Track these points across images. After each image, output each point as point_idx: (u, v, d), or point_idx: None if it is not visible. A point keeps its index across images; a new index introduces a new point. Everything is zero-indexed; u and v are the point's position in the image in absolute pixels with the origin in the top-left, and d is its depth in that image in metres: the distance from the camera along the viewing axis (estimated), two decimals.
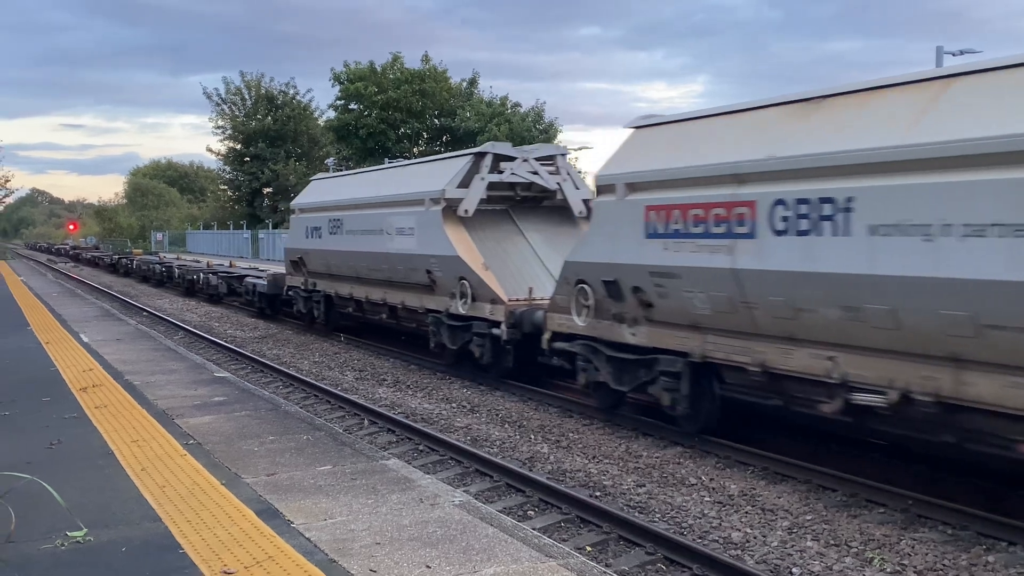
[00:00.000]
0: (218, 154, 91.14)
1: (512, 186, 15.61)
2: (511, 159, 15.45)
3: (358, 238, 18.29)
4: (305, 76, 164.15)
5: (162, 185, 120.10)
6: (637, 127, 11.53)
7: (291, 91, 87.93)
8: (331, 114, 76.17)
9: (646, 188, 10.59)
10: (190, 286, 34.11)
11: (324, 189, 22.24)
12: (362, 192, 18.99)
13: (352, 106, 71.53)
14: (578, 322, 11.98)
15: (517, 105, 70.26)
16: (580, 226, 15.48)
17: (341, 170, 68.45)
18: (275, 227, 73.32)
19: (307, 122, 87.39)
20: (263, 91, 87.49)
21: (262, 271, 29.38)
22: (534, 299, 14.00)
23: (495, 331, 14.00)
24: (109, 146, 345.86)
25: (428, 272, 15.47)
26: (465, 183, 15.16)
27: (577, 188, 15.94)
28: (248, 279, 27.39)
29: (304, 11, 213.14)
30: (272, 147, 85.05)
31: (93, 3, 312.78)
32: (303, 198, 23.20)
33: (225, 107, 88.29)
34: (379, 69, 70.97)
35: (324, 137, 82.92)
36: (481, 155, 15.34)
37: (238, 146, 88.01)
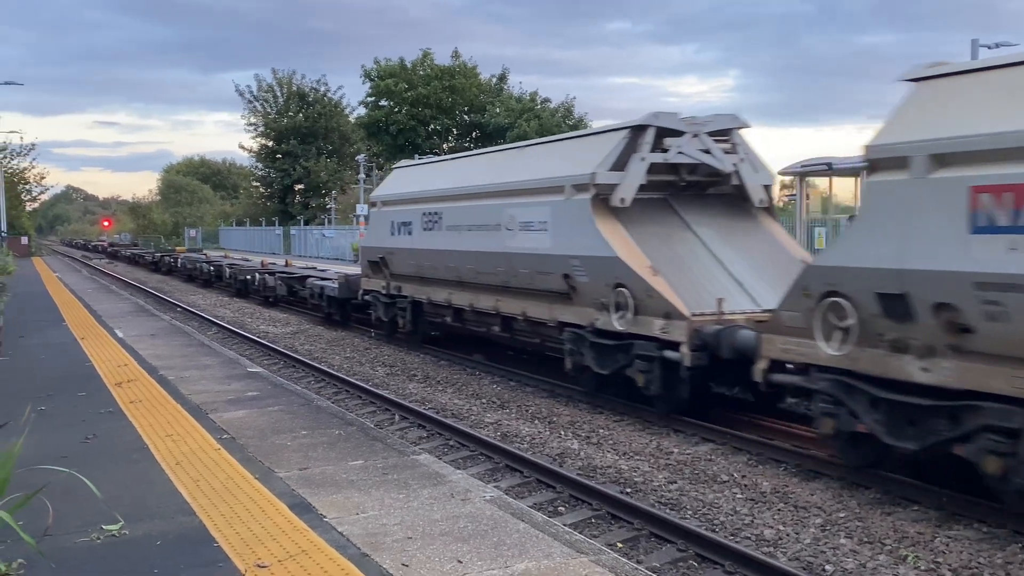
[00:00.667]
0: (250, 151, 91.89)
1: (675, 168, 12.47)
2: (678, 134, 12.27)
3: (463, 235, 15.35)
4: (335, 73, 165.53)
5: (195, 182, 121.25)
6: (925, 78, 8.34)
7: (322, 88, 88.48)
8: (361, 111, 76.62)
9: (971, 160, 7.45)
10: (243, 287, 31.28)
11: (414, 177, 18.89)
12: (469, 180, 15.84)
13: (382, 103, 71.85)
14: (825, 349, 8.91)
15: (547, 101, 70.45)
16: (760, 219, 12.93)
17: (372, 168, 69.05)
18: (306, 223, 73.82)
19: (338, 119, 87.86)
20: (294, 88, 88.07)
21: (321, 270, 28.07)
22: (724, 314, 10.98)
23: (669, 354, 10.95)
24: (142, 143, 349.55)
25: (566, 277, 12.57)
26: (620, 165, 12.06)
27: (756, 171, 12.84)
28: (312, 280, 24.43)
29: (334, 8, 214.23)
30: (303, 144, 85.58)
31: (126, 2, 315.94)
32: (386, 188, 19.86)
33: (257, 104, 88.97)
34: (409, 66, 71.28)
35: (355, 134, 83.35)
36: (641, 129, 12.15)
37: (270, 143, 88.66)
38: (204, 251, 56.51)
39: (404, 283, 18.23)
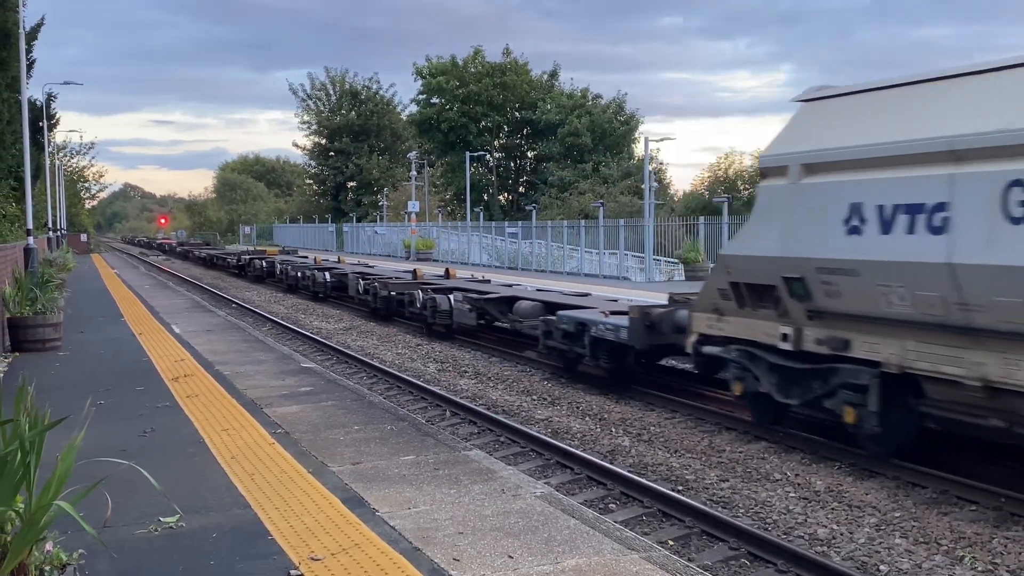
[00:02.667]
0: (303, 149, 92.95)
1: None
2: None
3: None
4: (387, 71, 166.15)
5: (250, 180, 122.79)
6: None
7: (374, 86, 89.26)
8: (413, 108, 77.11)
9: None
10: (389, 306, 22.15)
11: (923, 105, 8.86)
12: None
13: (434, 100, 72.22)
14: None
15: (598, 97, 70.34)
16: None
17: (423, 165, 69.28)
18: (358, 220, 74.40)
19: (390, 116, 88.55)
20: (347, 86, 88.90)
21: (513, 285, 21.22)
22: None
23: None
24: (197, 141, 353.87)
25: None
26: None
27: None
28: (528, 304, 16.30)
29: (386, 6, 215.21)
30: (356, 142, 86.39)
31: (182, 1, 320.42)
32: (819, 137, 9.74)
33: (310, 102, 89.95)
34: (460, 63, 71.57)
35: (406, 131, 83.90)
36: None
37: (323, 141, 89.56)
38: (314, 255, 42.26)
39: (867, 334, 9.11)
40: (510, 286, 20.92)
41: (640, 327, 12.74)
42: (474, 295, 18.61)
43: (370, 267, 30.93)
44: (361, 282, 24.61)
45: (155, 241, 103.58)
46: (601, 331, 13.36)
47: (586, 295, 17.67)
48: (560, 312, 14.80)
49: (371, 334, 20.86)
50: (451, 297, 19.06)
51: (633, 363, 13.70)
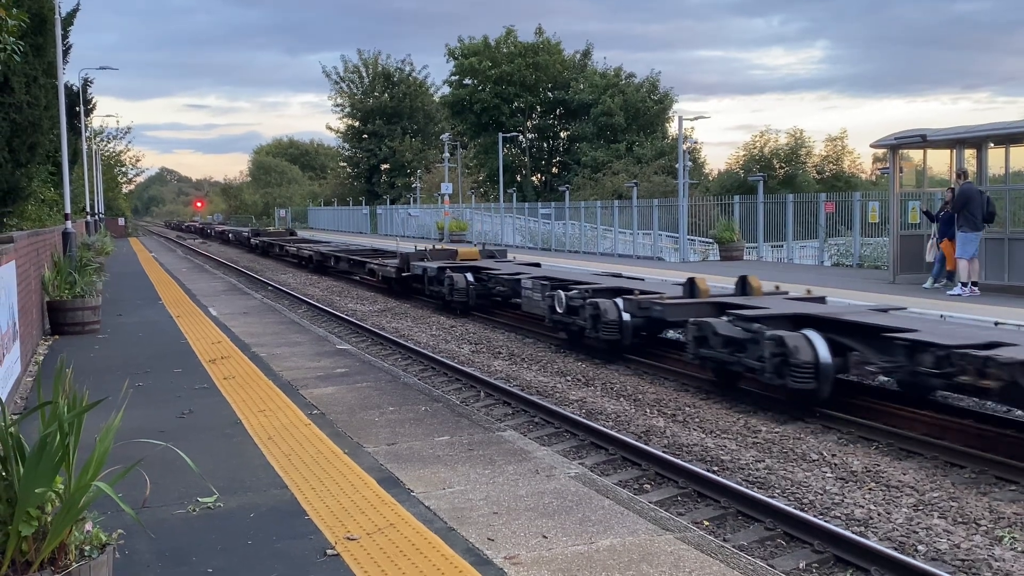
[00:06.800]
0: (337, 132, 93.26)
1: None
2: None
3: None
4: (420, 52, 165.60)
5: (284, 163, 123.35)
6: None
7: (407, 68, 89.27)
8: (446, 90, 76.99)
9: None
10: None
11: None
12: None
13: (466, 81, 72.08)
14: None
15: (631, 76, 69.73)
16: None
17: (456, 146, 69.29)
18: (392, 203, 74.59)
19: (423, 98, 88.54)
20: (380, 69, 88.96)
21: None
22: None
23: None
24: (231, 125, 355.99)
25: None
26: None
27: None
28: None
29: None
30: (389, 124, 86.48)
31: None
32: None
33: (343, 85, 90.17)
34: (493, 44, 71.30)
35: (439, 113, 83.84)
36: None
37: (356, 123, 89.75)
38: (614, 268, 23.11)
39: None
40: None
41: None
42: None
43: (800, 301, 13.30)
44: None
45: (211, 227, 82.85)
46: None
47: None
48: None
49: (406, 316, 20.85)
50: None
51: None
